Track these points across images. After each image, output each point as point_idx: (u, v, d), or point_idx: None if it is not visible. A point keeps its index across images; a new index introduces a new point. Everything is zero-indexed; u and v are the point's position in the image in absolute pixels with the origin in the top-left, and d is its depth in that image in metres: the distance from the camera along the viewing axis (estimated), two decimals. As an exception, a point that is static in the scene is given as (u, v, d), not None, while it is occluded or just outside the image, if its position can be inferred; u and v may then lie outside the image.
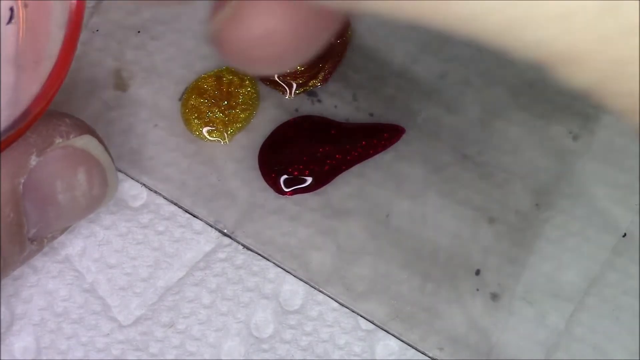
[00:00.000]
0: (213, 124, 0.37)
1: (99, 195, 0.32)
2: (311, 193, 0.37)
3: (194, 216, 0.37)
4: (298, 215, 0.37)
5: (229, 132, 0.37)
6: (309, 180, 0.37)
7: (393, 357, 0.37)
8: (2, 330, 0.36)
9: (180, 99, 0.38)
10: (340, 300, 0.37)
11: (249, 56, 0.21)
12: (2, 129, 0.26)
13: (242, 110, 0.37)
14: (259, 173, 0.37)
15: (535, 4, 0.16)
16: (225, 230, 0.37)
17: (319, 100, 0.38)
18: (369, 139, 0.37)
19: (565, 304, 0.37)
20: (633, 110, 0.17)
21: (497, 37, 0.17)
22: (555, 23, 0.16)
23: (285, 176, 0.37)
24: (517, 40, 0.17)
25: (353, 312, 0.37)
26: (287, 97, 0.38)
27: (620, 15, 0.16)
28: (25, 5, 0.28)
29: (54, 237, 0.32)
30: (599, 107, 0.38)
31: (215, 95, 0.37)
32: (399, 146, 0.37)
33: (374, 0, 0.17)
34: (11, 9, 0.28)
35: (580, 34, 0.16)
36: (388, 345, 0.37)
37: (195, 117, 0.37)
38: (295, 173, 0.37)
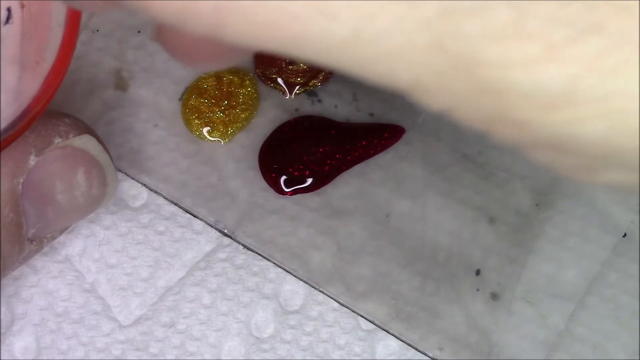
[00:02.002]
0: (213, 124, 0.37)
1: (98, 195, 0.32)
2: (311, 193, 0.37)
3: (194, 216, 0.37)
4: (298, 215, 0.37)
5: (229, 132, 0.37)
6: (309, 180, 0.37)
7: (393, 357, 0.37)
8: (2, 330, 0.36)
9: (180, 99, 0.38)
10: (341, 300, 0.37)
11: (187, 55, 0.22)
12: (1, 128, 0.26)
13: (242, 110, 0.37)
14: (259, 173, 0.37)
15: (357, 50, 0.17)
16: (225, 230, 0.37)
17: (319, 100, 0.38)
18: (369, 139, 0.37)
19: (565, 304, 0.37)
20: (486, 132, 0.18)
21: (351, 70, 0.18)
22: (395, 60, 0.17)
23: (285, 176, 0.37)
24: (369, 73, 0.18)
25: (353, 312, 0.37)
26: (287, 97, 0.38)
27: (448, 51, 0.17)
28: (23, 6, 0.28)
29: (53, 237, 0.32)
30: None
31: (215, 95, 0.37)
32: (399, 146, 0.37)
33: (236, 27, 0.18)
34: (8, 9, 0.28)
35: (418, 69, 0.17)
36: (388, 345, 0.37)
37: (196, 117, 0.37)
38: (296, 173, 0.37)
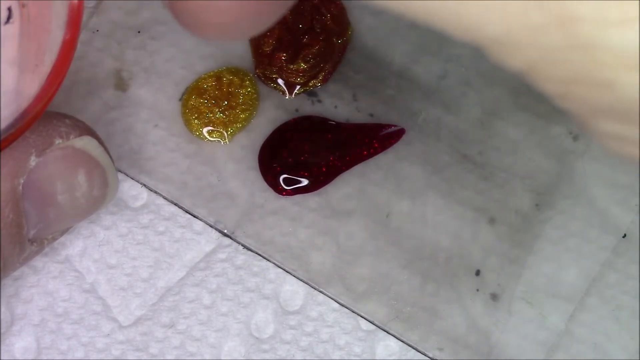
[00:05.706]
0: (213, 124, 0.37)
1: (99, 196, 0.32)
2: (311, 193, 0.37)
3: (194, 216, 0.37)
4: (298, 216, 0.37)
5: (229, 132, 0.37)
6: (309, 180, 0.37)
7: (393, 358, 0.37)
8: (2, 331, 0.36)
9: (180, 99, 0.38)
10: (341, 301, 0.37)
11: (198, 21, 0.22)
12: (1, 128, 0.26)
13: (242, 111, 0.37)
14: (259, 173, 0.37)
15: None
16: (225, 231, 0.37)
17: (319, 101, 0.38)
18: (369, 139, 0.37)
19: (565, 304, 0.37)
20: (561, 95, 0.19)
21: (439, 20, 0.18)
22: (490, 10, 0.17)
23: (285, 176, 0.37)
24: (456, 23, 0.18)
25: (353, 312, 0.37)
26: (287, 97, 0.38)
27: (545, 6, 0.17)
28: (23, 5, 0.28)
29: (54, 238, 0.32)
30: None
31: (215, 96, 0.37)
32: (399, 146, 0.37)
33: None
34: (9, 9, 0.28)
35: (513, 21, 0.17)
36: (388, 345, 0.37)
37: (195, 117, 0.37)
38: (295, 173, 0.37)
